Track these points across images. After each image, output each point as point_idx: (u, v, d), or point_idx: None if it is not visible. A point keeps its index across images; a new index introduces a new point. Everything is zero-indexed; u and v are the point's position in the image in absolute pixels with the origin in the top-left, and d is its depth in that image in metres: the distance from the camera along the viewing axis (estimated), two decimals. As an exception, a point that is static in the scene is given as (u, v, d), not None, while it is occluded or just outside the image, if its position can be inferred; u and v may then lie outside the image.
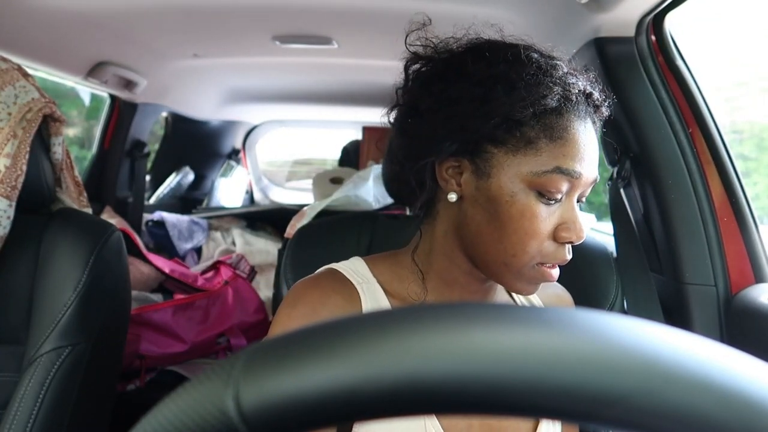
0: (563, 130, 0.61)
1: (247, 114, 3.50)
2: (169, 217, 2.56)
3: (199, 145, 3.25)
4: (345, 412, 0.23)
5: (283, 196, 3.93)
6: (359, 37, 1.74)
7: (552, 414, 0.22)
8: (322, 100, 2.90)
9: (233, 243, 2.60)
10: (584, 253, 0.92)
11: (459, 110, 0.62)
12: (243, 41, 1.84)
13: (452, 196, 0.65)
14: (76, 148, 2.90)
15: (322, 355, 0.23)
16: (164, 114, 2.83)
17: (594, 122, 0.65)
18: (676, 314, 1.12)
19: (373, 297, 0.69)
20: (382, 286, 0.71)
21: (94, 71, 1.83)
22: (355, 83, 2.50)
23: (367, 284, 0.71)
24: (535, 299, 0.79)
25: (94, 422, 1.02)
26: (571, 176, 0.60)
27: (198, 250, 2.62)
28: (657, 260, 1.18)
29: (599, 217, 1.92)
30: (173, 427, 0.24)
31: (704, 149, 1.10)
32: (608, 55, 1.17)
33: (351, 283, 0.70)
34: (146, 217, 2.59)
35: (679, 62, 1.13)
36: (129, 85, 2.06)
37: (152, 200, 2.96)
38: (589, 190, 0.66)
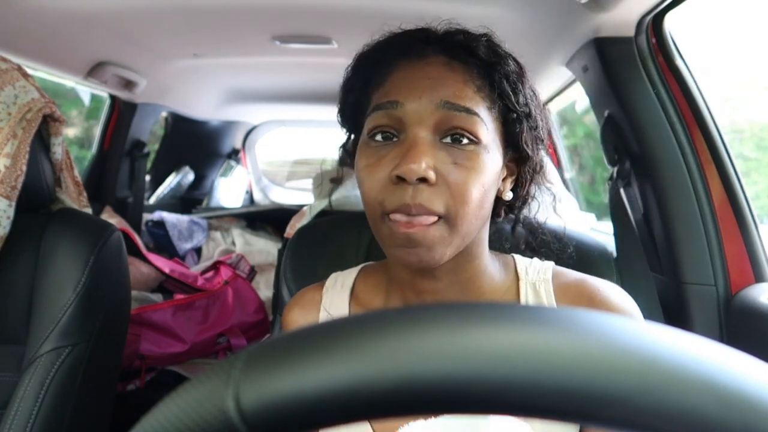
0: (386, 75, 0.62)
1: (247, 114, 3.50)
2: (168, 217, 2.56)
3: (198, 145, 3.25)
4: (345, 412, 0.23)
5: (283, 196, 3.93)
6: (359, 37, 1.74)
7: (553, 414, 0.22)
8: (322, 99, 2.89)
9: (233, 243, 2.60)
10: (584, 253, 0.92)
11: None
12: (243, 41, 1.84)
13: None
14: (76, 148, 2.90)
15: (322, 355, 0.23)
16: (164, 114, 2.83)
17: (458, 59, 0.61)
18: (675, 314, 1.12)
19: (331, 303, 0.72)
20: (354, 294, 0.73)
21: (93, 71, 1.83)
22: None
23: (335, 291, 0.73)
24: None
25: (94, 422, 1.02)
26: (387, 108, 0.58)
27: (198, 250, 2.62)
28: (657, 260, 1.18)
29: (599, 217, 1.92)
30: (173, 427, 0.24)
31: (704, 149, 1.10)
32: (608, 55, 1.17)
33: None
34: (146, 217, 2.59)
35: (679, 62, 1.13)
36: (129, 85, 2.06)
37: (152, 200, 2.95)
38: (464, 122, 0.57)
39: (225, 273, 1.92)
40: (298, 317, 0.75)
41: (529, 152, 0.64)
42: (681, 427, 0.21)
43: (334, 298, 0.73)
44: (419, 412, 0.23)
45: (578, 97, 2.06)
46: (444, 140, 0.58)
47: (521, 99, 0.62)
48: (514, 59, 0.64)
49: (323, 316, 0.72)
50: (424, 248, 0.57)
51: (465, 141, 0.58)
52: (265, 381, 0.23)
